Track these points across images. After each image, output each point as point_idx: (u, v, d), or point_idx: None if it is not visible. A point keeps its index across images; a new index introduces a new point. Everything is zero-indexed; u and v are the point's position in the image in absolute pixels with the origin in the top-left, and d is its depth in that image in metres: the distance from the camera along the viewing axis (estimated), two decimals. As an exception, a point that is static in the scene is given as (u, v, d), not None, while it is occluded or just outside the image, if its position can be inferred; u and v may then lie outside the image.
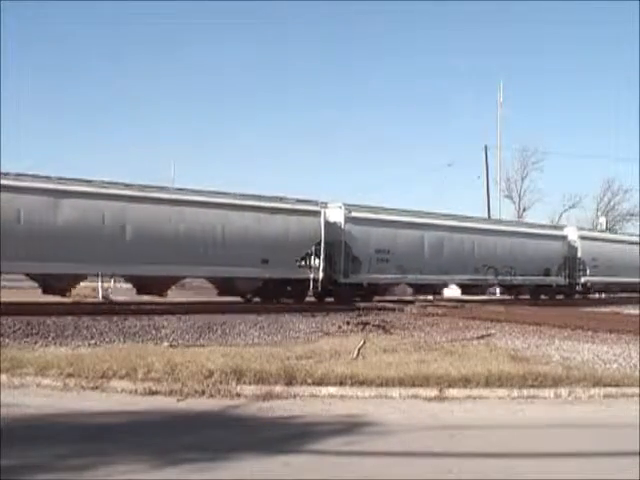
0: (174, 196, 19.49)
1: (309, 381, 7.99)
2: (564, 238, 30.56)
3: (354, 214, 22.96)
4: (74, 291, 19.67)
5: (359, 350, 9.99)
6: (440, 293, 27.08)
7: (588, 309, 24.02)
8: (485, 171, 43.33)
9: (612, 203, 57.60)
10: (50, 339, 11.65)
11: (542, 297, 28.94)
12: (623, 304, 26.78)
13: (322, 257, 21.63)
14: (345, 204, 23.03)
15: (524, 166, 54.26)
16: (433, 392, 7.83)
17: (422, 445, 5.91)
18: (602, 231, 42.23)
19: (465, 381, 8.07)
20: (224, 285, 21.15)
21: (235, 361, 8.56)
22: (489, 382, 8.10)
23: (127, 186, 18.90)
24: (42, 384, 7.89)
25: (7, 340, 11.18)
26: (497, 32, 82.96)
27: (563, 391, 8.01)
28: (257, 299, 21.70)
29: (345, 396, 7.74)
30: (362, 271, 22.73)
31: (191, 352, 9.65)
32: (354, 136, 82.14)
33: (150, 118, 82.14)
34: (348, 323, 15.70)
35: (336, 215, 22.63)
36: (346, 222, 22.51)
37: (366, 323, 15.50)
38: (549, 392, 7.98)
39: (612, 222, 55.77)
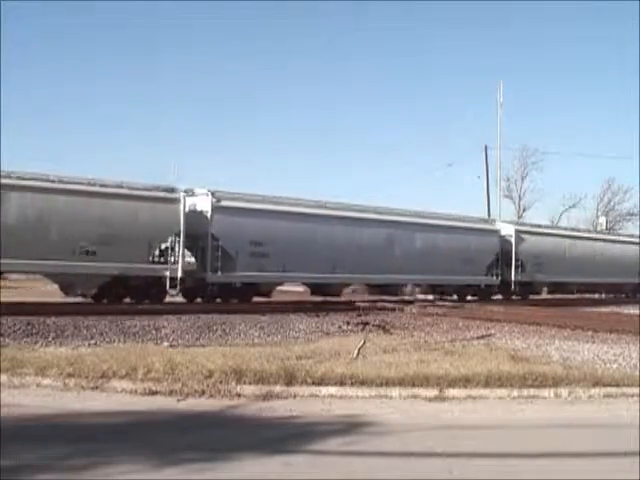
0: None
1: (309, 381, 7.98)
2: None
3: None
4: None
5: (359, 350, 9.98)
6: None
7: (588, 309, 24.03)
8: (485, 171, 43.46)
9: (612, 203, 57.71)
10: (50, 339, 11.64)
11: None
12: (623, 304, 26.82)
13: None
14: None
15: (524, 166, 54.43)
16: (433, 392, 7.82)
17: (422, 445, 5.89)
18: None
19: (465, 381, 8.06)
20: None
21: (235, 361, 8.55)
22: (489, 382, 8.09)
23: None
24: (42, 384, 7.88)
25: (7, 340, 11.18)
26: (497, 32, 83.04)
27: (563, 391, 8.00)
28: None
29: (345, 396, 7.73)
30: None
31: (191, 352, 9.64)
32: (353, 136, 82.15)
33: (150, 118, 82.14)
34: (348, 323, 15.70)
35: None
36: None
37: (366, 323, 15.49)
38: (549, 392, 7.97)
39: (612, 222, 55.81)
